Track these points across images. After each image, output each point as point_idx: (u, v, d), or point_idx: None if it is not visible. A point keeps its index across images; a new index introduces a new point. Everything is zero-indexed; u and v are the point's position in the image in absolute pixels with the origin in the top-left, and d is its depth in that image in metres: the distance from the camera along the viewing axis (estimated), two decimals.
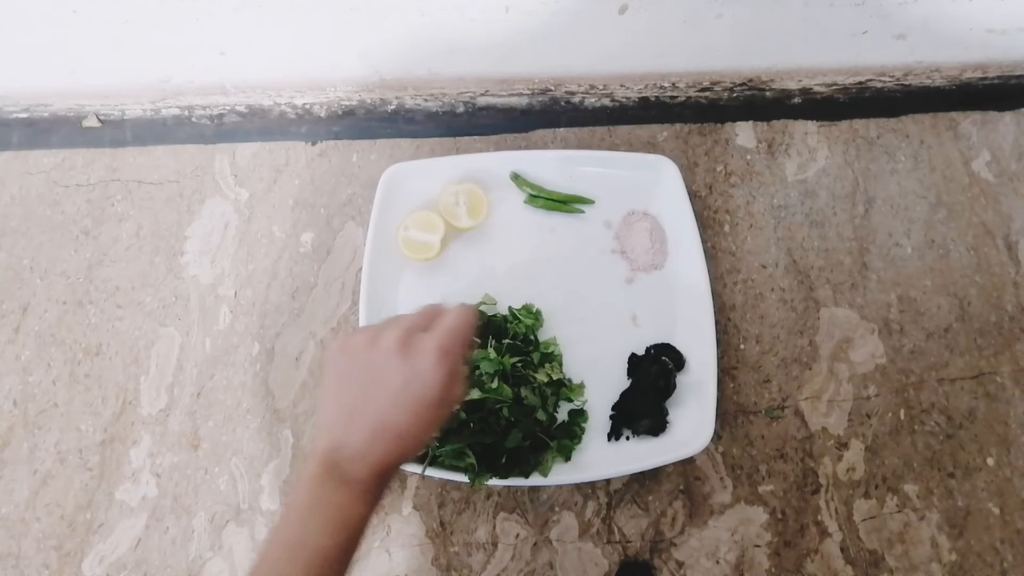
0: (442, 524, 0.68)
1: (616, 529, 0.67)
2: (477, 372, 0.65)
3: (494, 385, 0.64)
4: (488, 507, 0.68)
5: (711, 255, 0.76)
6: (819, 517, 0.68)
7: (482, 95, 0.85)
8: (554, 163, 0.77)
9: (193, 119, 0.86)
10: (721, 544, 0.67)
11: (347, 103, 0.86)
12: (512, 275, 0.74)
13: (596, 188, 0.77)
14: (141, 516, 0.69)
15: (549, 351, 0.69)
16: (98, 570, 0.67)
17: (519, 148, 0.82)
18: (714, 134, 0.82)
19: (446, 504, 0.68)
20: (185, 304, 0.76)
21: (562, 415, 0.69)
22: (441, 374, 0.44)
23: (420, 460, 0.64)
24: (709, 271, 0.72)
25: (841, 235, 0.77)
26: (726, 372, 0.72)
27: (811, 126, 0.83)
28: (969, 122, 0.83)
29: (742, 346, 0.73)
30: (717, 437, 0.70)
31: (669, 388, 0.68)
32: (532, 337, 0.70)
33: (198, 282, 0.77)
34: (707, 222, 0.78)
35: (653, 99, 0.86)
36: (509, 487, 0.68)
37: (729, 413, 0.71)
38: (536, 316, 0.71)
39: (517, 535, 0.67)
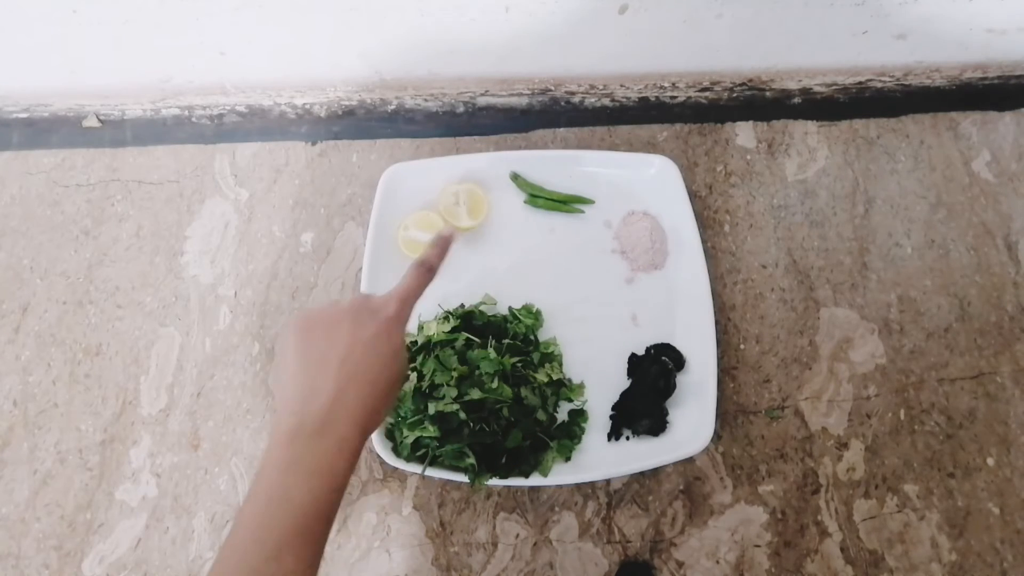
0: (442, 524, 0.68)
1: (616, 529, 0.67)
2: (477, 372, 0.65)
3: (494, 385, 0.64)
4: (488, 507, 0.68)
5: (711, 255, 0.76)
6: (819, 517, 0.68)
7: (482, 95, 0.85)
8: (554, 163, 0.77)
9: (193, 119, 0.86)
10: (721, 544, 0.67)
11: (347, 103, 0.86)
12: (512, 275, 0.74)
13: (596, 188, 0.77)
14: (141, 516, 0.69)
15: (549, 351, 0.69)
16: (98, 570, 0.67)
17: (519, 148, 0.82)
18: (714, 134, 0.82)
19: (446, 504, 0.68)
20: (185, 304, 0.76)
21: (562, 415, 0.69)
22: (400, 330, 0.46)
23: (420, 460, 0.64)
24: (709, 271, 0.72)
25: (841, 235, 0.77)
26: (726, 372, 0.72)
27: (811, 126, 0.83)
28: (969, 122, 0.83)
29: (742, 346, 0.73)
30: (717, 437, 0.70)
31: (669, 388, 0.68)
32: (532, 337, 0.70)
33: (198, 282, 0.77)
34: (707, 222, 0.78)
35: (653, 99, 0.86)
36: (509, 487, 0.68)
37: (729, 413, 0.71)
38: (536, 316, 0.71)
39: (517, 535, 0.67)
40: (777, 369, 0.72)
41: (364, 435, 0.44)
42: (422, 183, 0.76)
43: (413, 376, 0.65)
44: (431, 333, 0.67)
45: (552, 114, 0.85)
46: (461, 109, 0.86)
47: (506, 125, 0.84)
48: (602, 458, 0.67)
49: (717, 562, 0.66)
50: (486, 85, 0.84)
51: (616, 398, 0.69)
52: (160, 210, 0.80)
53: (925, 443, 0.70)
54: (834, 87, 0.86)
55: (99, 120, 0.86)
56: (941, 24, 0.76)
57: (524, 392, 0.65)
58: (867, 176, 0.80)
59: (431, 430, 0.63)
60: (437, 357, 0.65)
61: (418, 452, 0.64)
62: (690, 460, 0.69)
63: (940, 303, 0.75)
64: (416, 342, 0.68)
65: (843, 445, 0.70)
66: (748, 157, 0.81)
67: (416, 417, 0.63)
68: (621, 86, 0.85)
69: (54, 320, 0.76)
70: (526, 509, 0.68)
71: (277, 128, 0.85)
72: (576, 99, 0.85)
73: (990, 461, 0.69)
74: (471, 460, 0.63)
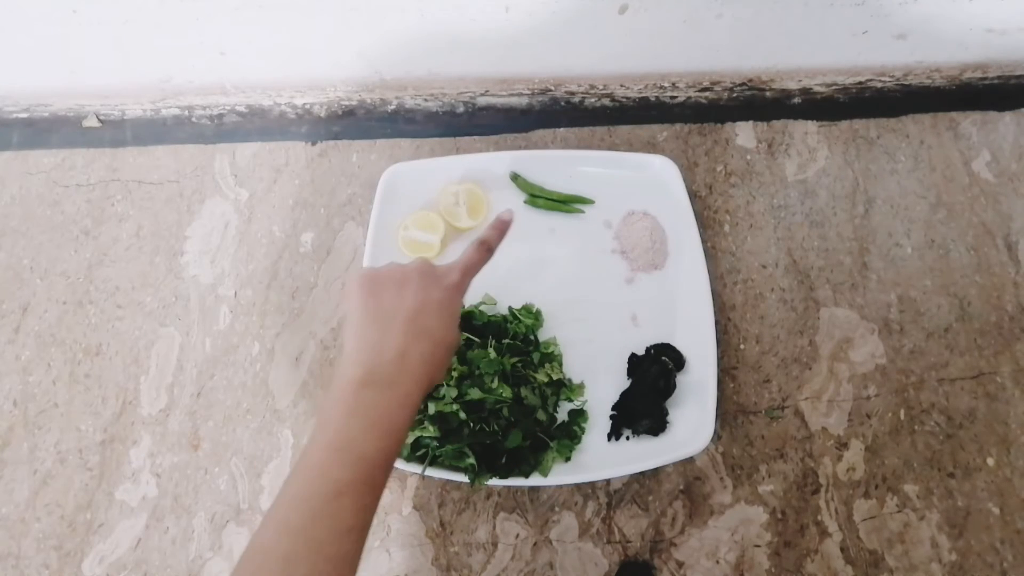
0: (442, 524, 0.68)
1: (616, 529, 0.67)
2: (477, 372, 0.65)
3: (494, 385, 0.64)
4: (488, 507, 0.68)
5: (711, 255, 0.76)
6: (819, 517, 0.68)
7: (482, 95, 0.85)
8: (554, 163, 0.77)
9: (193, 119, 0.86)
10: (721, 544, 0.67)
11: (347, 103, 0.86)
12: (512, 275, 0.74)
13: (596, 188, 0.77)
14: (141, 516, 0.69)
15: (549, 351, 0.69)
16: (98, 570, 0.67)
17: (519, 148, 0.82)
18: (714, 134, 0.82)
19: (446, 504, 0.68)
20: (185, 304, 0.76)
21: (562, 415, 0.69)
22: (460, 298, 0.49)
23: (420, 460, 0.64)
24: (709, 271, 0.72)
25: (841, 235, 0.77)
26: (726, 372, 0.72)
27: (811, 126, 0.83)
28: (969, 122, 0.83)
29: (742, 346, 0.73)
30: (717, 437, 0.70)
31: (669, 388, 0.68)
32: (532, 337, 0.70)
33: (198, 282, 0.77)
34: (707, 222, 0.78)
35: (653, 99, 0.86)
36: (509, 487, 0.68)
37: (729, 413, 0.71)
38: (536, 316, 0.71)
39: (517, 535, 0.67)
40: (777, 369, 0.72)
41: (424, 391, 0.45)
42: (422, 183, 0.76)
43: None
44: None
45: (552, 114, 0.85)
46: (461, 109, 0.86)
47: (506, 125, 0.84)
48: (602, 458, 0.67)
49: (717, 562, 0.66)
50: (486, 85, 0.84)
51: (616, 398, 0.69)
52: (160, 210, 0.80)
53: (925, 443, 0.70)
54: (834, 87, 0.86)
55: (99, 120, 0.86)
56: (941, 24, 0.76)
57: (524, 392, 0.65)
58: (867, 176, 0.80)
59: (431, 430, 0.63)
60: None
61: (418, 452, 0.64)
62: (690, 460, 0.69)
63: (940, 303, 0.75)
64: None
65: (843, 445, 0.70)
66: (748, 157, 0.81)
67: (416, 417, 0.63)
68: (621, 86, 0.85)
69: (54, 320, 0.76)
70: (526, 509, 0.68)
71: (277, 128, 0.85)
72: (576, 99, 0.85)
73: (990, 461, 0.69)
74: (471, 460, 0.63)
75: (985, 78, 0.86)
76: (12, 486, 0.70)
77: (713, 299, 0.71)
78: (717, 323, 0.71)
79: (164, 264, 0.78)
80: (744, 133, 0.82)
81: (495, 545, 0.67)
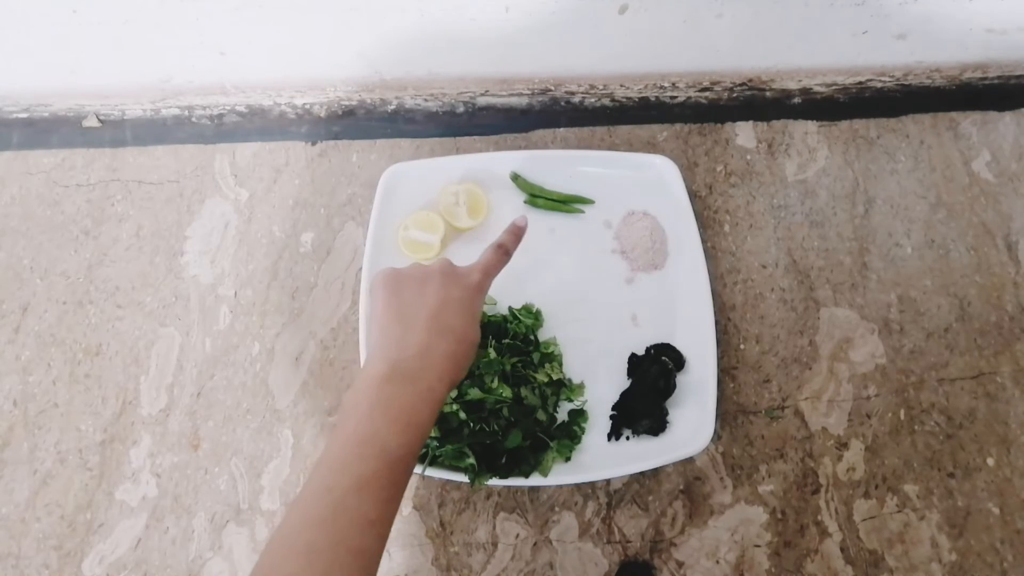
0: (442, 524, 0.68)
1: (616, 529, 0.67)
2: (477, 372, 0.65)
3: (494, 385, 0.64)
4: (488, 507, 0.68)
5: (711, 255, 0.76)
6: (819, 517, 0.68)
7: (482, 95, 0.85)
8: (554, 163, 0.77)
9: (193, 119, 0.86)
10: (721, 544, 0.67)
11: (347, 103, 0.86)
12: (512, 275, 0.73)
13: (596, 188, 0.77)
14: (141, 516, 0.69)
15: (549, 351, 0.69)
16: (98, 570, 0.67)
17: (519, 148, 0.82)
18: (714, 134, 0.82)
19: (446, 504, 0.68)
20: (185, 304, 0.76)
21: (562, 415, 0.69)
22: (481, 298, 0.50)
23: (420, 460, 0.64)
24: (709, 271, 0.72)
25: (841, 235, 0.77)
26: (726, 372, 0.72)
27: (811, 126, 0.83)
28: (969, 122, 0.83)
29: (742, 346, 0.73)
30: (717, 437, 0.70)
31: (669, 388, 0.68)
32: (532, 337, 0.70)
33: (198, 282, 0.77)
34: (707, 222, 0.78)
35: (653, 99, 0.86)
36: (509, 487, 0.68)
37: (729, 413, 0.71)
38: (536, 316, 0.71)
39: (517, 535, 0.67)
40: (777, 369, 0.72)
41: (448, 388, 0.45)
42: (422, 183, 0.76)
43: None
44: None
45: (552, 114, 0.85)
46: (461, 109, 0.86)
47: (506, 125, 0.84)
48: (602, 458, 0.67)
49: (717, 562, 0.66)
50: (486, 85, 0.84)
51: (616, 398, 0.69)
52: (160, 210, 0.80)
53: (925, 443, 0.70)
54: (834, 87, 0.86)
55: (99, 120, 0.86)
56: (941, 24, 0.76)
57: (524, 392, 0.65)
58: (867, 176, 0.80)
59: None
60: None
61: None
62: (690, 460, 0.69)
63: (940, 303, 0.75)
64: None
65: (843, 445, 0.70)
66: (748, 157, 0.81)
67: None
68: (621, 86, 0.85)
69: (54, 320, 0.76)
70: (526, 509, 0.68)
71: (277, 128, 0.85)
72: (576, 99, 0.85)
73: (990, 461, 0.69)
74: (471, 460, 0.63)
75: (985, 78, 0.86)
76: (12, 486, 0.70)
77: (713, 299, 0.71)
78: (717, 323, 0.71)
79: (164, 264, 0.78)
80: (744, 133, 0.82)
81: (495, 545, 0.67)
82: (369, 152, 0.82)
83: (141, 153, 0.84)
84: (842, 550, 0.67)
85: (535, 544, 0.67)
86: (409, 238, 0.73)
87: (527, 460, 0.65)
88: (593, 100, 0.86)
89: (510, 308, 0.71)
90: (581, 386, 0.69)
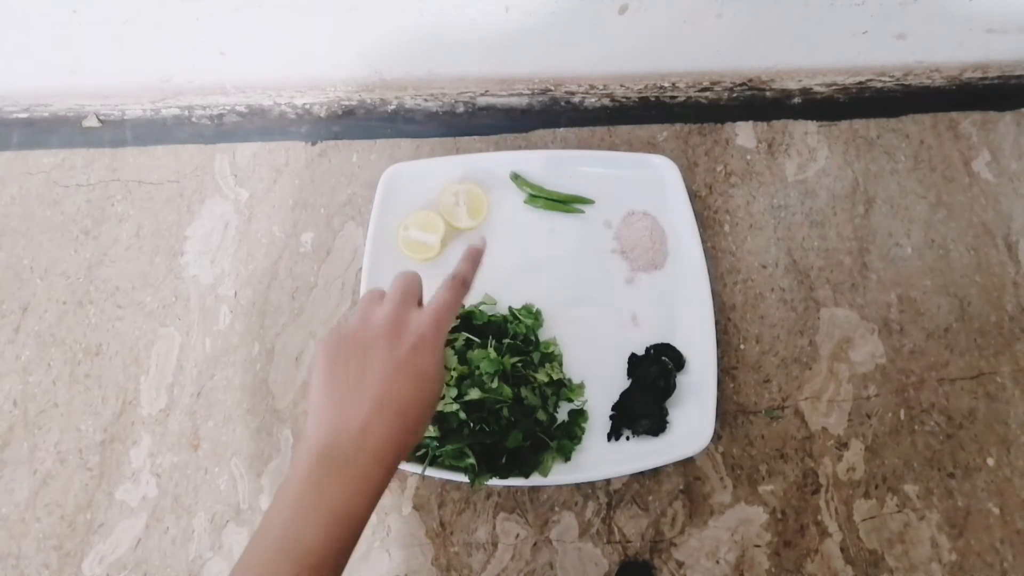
0: (442, 524, 0.68)
1: (616, 529, 0.67)
2: (477, 372, 0.65)
3: (494, 385, 0.64)
4: (488, 507, 0.68)
5: (711, 255, 0.76)
6: (819, 517, 0.68)
7: (482, 95, 0.85)
8: (554, 163, 0.77)
9: (193, 119, 0.86)
10: (721, 544, 0.67)
11: (347, 103, 0.86)
12: (512, 275, 0.74)
13: (596, 188, 0.77)
14: (141, 516, 0.69)
15: (549, 351, 0.69)
16: (98, 570, 0.67)
17: (519, 148, 0.82)
18: (714, 134, 0.82)
19: (446, 504, 0.68)
20: (185, 304, 0.76)
21: (562, 415, 0.69)
22: (439, 349, 0.43)
23: (420, 460, 0.64)
24: (709, 271, 0.72)
25: (841, 235, 0.77)
26: (726, 372, 0.72)
27: (811, 126, 0.83)
28: (969, 122, 0.83)
29: (742, 346, 0.73)
30: (717, 437, 0.70)
31: (669, 388, 0.68)
32: (532, 337, 0.70)
33: (198, 282, 0.77)
34: (707, 222, 0.78)
35: (653, 99, 0.86)
36: (509, 487, 0.68)
37: (729, 413, 0.71)
38: (536, 316, 0.71)
39: (517, 535, 0.67)
40: (777, 369, 0.72)
41: (389, 472, 0.41)
42: (422, 183, 0.76)
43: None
44: None
45: (552, 114, 0.85)
46: (461, 109, 0.86)
47: (506, 125, 0.84)
48: (602, 458, 0.67)
49: (717, 562, 0.66)
50: (486, 85, 0.84)
51: (616, 398, 0.69)
52: (160, 210, 0.80)
53: (925, 443, 0.70)
54: (834, 87, 0.86)
55: (99, 120, 0.86)
56: (941, 24, 0.76)
57: (524, 392, 0.65)
58: (867, 176, 0.80)
59: (431, 430, 0.63)
60: None
61: (418, 452, 0.64)
62: (690, 460, 0.69)
63: (940, 303, 0.75)
64: None
65: (843, 445, 0.70)
66: (748, 157, 0.81)
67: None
68: (621, 86, 0.85)
69: (54, 320, 0.76)
70: (526, 509, 0.68)
71: (277, 128, 0.85)
72: (576, 99, 0.85)
73: (990, 461, 0.69)
74: (471, 460, 0.63)
75: (985, 78, 0.86)
76: (12, 486, 0.70)
77: (713, 299, 0.71)
78: (717, 323, 0.71)
79: (164, 264, 0.78)
80: (744, 133, 0.82)
81: (495, 545, 0.67)
82: (369, 152, 0.82)
83: (141, 153, 0.84)
84: (842, 550, 0.67)
85: (535, 544, 0.67)
86: (409, 238, 0.73)
87: (527, 460, 0.65)
88: (593, 100, 0.86)
89: (510, 308, 0.71)
90: (581, 386, 0.69)
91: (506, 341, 0.68)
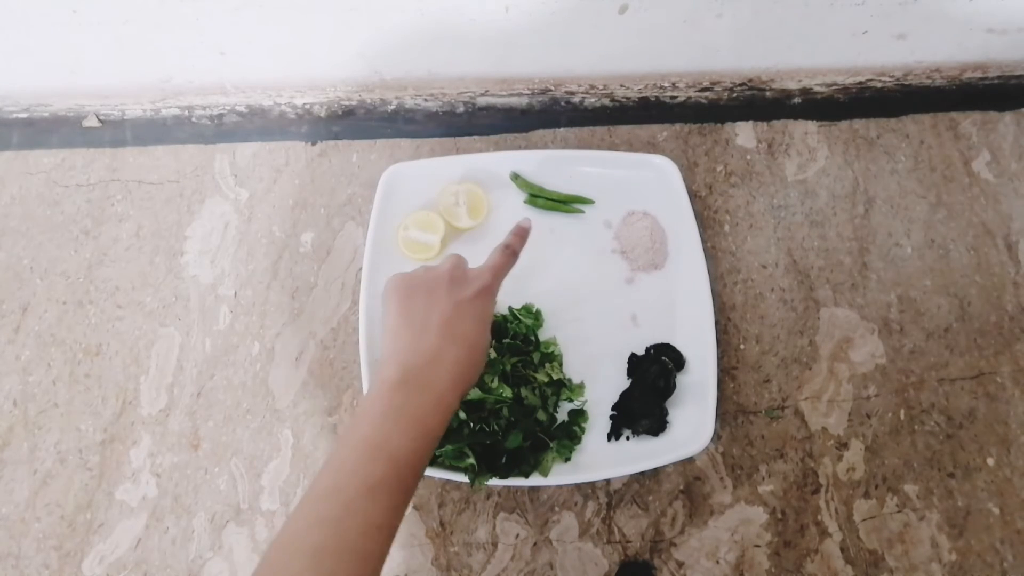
0: (442, 524, 0.68)
1: (616, 529, 0.67)
2: None
3: (494, 385, 0.64)
4: (488, 507, 0.68)
5: (711, 255, 0.76)
6: (819, 517, 0.68)
7: (482, 95, 0.85)
8: (554, 163, 0.77)
9: (193, 119, 0.86)
10: (721, 544, 0.67)
11: (347, 103, 0.86)
12: (512, 275, 0.73)
13: (596, 188, 0.77)
14: (141, 516, 0.69)
15: (549, 351, 0.69)
16: (98, 570, 0.67)
17: (519, 148, 0.82)
18: (714, 134, 0.82)
19: (446, 504, 0.68)
20: (185, 304, 0.76)
21: (562, 415, 0.69)
22: (493, 298, 0.50)
23: None
24: (709, 271, 0.72)
25: (841, 235, 0.77)
26: (726, 372, 0.72)
27: (811, 126, 0.83)
28: (969, 122, 0.83)
29: (742, 346, 0.73)
30: (717, 437, 0.70)
31: (669, 388, 0.68)
32: (532, 337, 0.70)
33: (198, 282, 0.77)
34: (707, 222, 0.78)
35: (653, 99, 0.86)
36: (509, 487, 0.68)
37: (729, 413, 0.71)
38: (536, 316, 0.71)
39: (517, 535, 0.67)
40: (777, 369, 0.72)
41: (459, 394, 0.46)
42: (422, 183, 0.76)
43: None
44: None
45: (552, 114, 0.85)
46: (461, 109, 0.86)
47: (506, 125, 0.84)
48: (602, 458, 0.67)
49: (717, 562, 0.66)
50: (486, 85, 0.84)
51: (616, 398, 0.69)
52: (160, 210, 0.80)
53: (925, 443, 0.70)
54: (834, 87, 0.86)
55: (99, 120, 0.86)
56: (941, 24, 0.76)
57: (524, 392, 0.65)
58: (867, 176, 0.80)
59: None
60: None
61: None
62: (690, 460, 0.69)
63: (940, 303, 0.75)
64: None
65: (843, 445, 0.70)
66: (748, 157, 0.81)
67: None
68: (621, 86, 0.85)
69: (54, 320, 0.76)
70: (526, 509, 0.68)
71: (277, 128, 0.85)
72: (576, 99, 0.85)
73: (990, 461, 0.69)
74: (471, 460, 0.63)
75: (985, 78, 0.86)
76: (12, 486, 0.70)
77: (713, 299, 0.71)
78: (717, 323, 0.71)
79: (164, 264, 0.78)
80: (744, 133, 0.82)
81: (495, 545, 0.67)
82: (369, 152, 0.82)
83: (141, 153, 0.84)
84: (842, 550, 0.67)
85: (535, 544, 0.67)
86: (409, 238, 0.73)
87: (527, 460, 0.65)
88: (593, 100, 0.86)
89: (510, 308, 0.71)
90: (581, 386, 0.69)
91: (506, 341, 0.68)
